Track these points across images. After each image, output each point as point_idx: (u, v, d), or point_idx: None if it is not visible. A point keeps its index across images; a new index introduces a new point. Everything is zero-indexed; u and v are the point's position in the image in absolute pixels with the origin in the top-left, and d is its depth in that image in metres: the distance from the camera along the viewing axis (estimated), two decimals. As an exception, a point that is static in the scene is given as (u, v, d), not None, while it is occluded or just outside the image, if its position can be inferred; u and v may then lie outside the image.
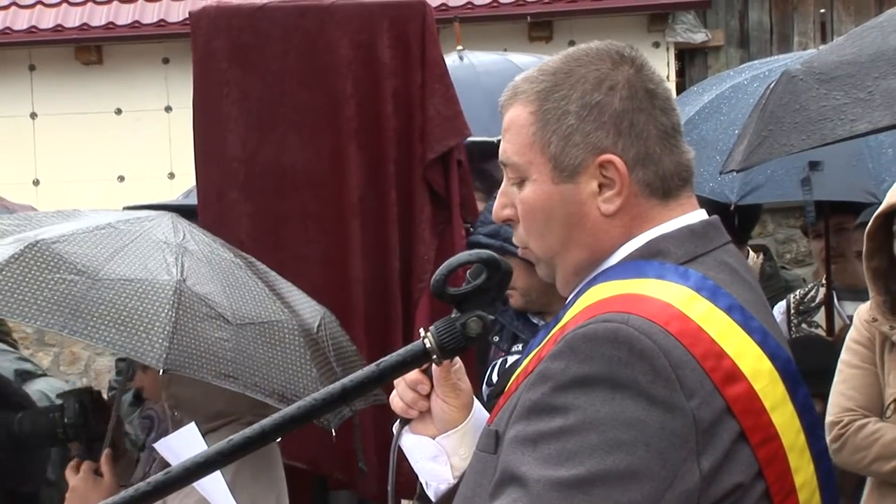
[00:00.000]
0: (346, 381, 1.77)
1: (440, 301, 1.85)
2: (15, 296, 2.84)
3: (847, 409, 3.61)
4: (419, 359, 1.84)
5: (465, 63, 5.74)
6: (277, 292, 3.30)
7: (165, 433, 3.24)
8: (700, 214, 1.84)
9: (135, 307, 2.91)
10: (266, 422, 1.73)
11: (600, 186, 1.79)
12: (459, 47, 5.93)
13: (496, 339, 3.65)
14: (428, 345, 1.83)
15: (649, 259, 1.77)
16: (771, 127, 3.27)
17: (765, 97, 3.47)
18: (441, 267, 1.84)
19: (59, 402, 3.45)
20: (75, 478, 3.22)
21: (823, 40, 5.85)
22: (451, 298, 1.83)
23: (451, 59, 5.72)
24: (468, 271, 1.89)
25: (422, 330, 1.85)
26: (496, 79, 5.46)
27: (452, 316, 1.84)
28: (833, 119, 3.03)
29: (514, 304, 3.42)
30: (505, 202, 1.87)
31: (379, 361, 1.80)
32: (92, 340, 2.89)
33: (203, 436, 3.08)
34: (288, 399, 2.97)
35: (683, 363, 1.62)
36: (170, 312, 2.89)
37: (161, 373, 2.84)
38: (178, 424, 3.15)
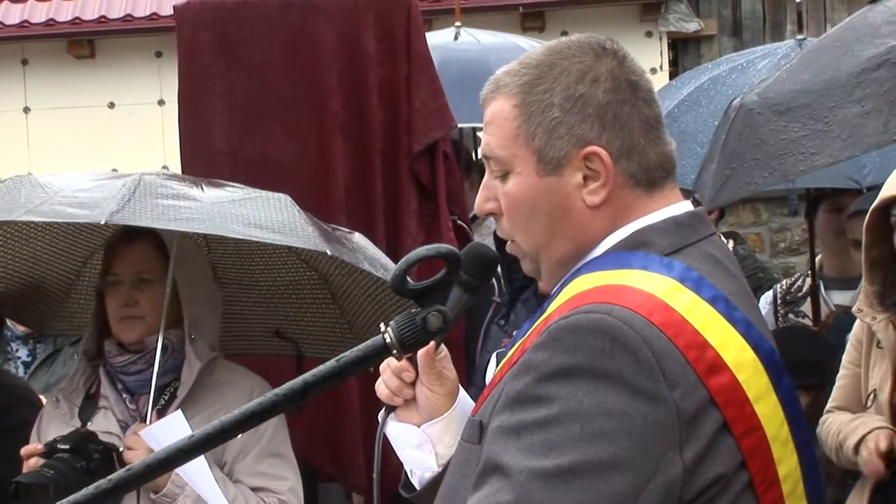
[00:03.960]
0: (307, 375, 1.76)
1: (401, 296, 1.83)
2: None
3: (828, 410, 3.69)
4: (379, 354, 1.83)
5: (470, 40, 5.74)
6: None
7: (180, 364, 3.29)
8: (685, 206, 1.84)
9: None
10: (226, 418, 1.73)
11: (585, 178, 1.78)
12: (458, 24, 5.92)
13: (502, 322, 3.59)
14: (388, 339, 1.81)
15: (633, 250, 1.76)
16: (734, 165, 3.28)
17: (724, 130, 3.46)
18: (400, 262, 1.82)
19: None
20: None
21: (800, 30, 5.90)
22: (411, 293, 1.82)
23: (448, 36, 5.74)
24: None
25: (382, 325, 1.83)
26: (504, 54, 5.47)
27: (413, 311, 1.82)
28: (793, 153, 3.07)
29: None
30: (488, 195, 1.87)
31: (339, 357, 1.78)
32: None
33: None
34: (274, 229, 3.16)
35: (666, 354, 1.62)
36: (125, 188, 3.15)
37: (103, 223, 3.08)
38: (194, 344, 3.27)
